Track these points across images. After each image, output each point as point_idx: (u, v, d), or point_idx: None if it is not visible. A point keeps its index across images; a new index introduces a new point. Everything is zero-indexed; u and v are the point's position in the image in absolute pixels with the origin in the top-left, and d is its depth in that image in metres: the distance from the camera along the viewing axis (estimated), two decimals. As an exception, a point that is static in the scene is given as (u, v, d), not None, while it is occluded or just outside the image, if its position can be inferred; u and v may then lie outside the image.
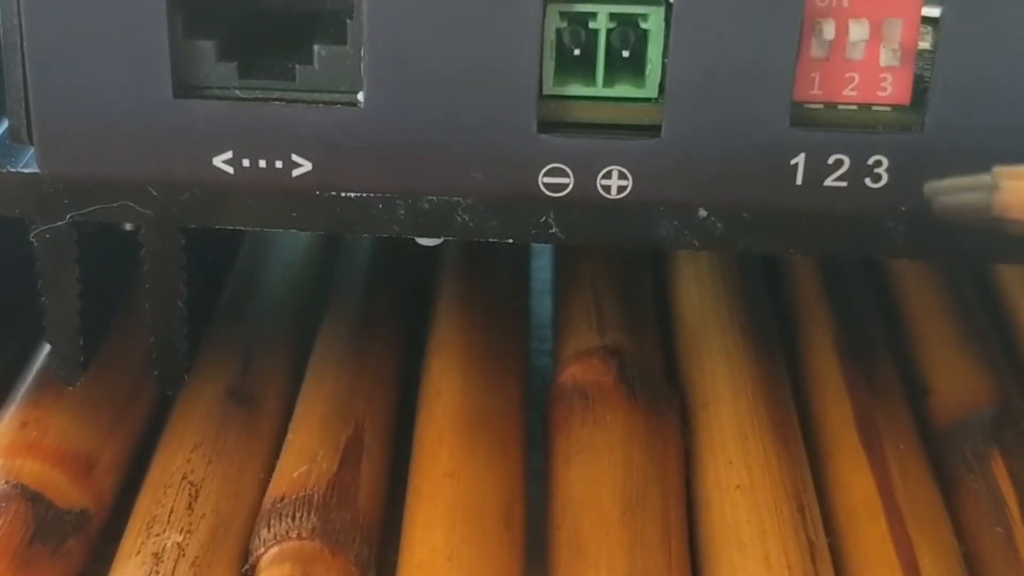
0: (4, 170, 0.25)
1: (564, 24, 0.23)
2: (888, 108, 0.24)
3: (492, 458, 0.27)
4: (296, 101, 0.24)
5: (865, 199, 0.24)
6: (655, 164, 0.24)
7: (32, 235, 0.25)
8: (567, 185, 0.24)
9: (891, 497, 0.26)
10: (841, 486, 0.27)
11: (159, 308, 0.26)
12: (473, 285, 0.33)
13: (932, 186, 0.21)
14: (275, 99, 0.24)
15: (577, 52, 0.24)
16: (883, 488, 0.27)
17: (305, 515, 0.25)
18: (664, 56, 0.23)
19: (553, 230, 0.25)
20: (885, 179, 0.24)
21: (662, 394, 0.29)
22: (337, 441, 0.27)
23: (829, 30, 0.23)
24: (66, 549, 0.25)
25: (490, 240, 0.25)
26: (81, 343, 0.26)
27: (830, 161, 0.24)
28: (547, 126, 0.24)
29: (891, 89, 0.23)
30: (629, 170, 0.24)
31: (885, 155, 0.24)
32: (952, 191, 0.20)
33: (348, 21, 0.23)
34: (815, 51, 0.23)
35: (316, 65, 0.24)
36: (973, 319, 0.32)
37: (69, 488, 0.26)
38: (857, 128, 0.24)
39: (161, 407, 0.29)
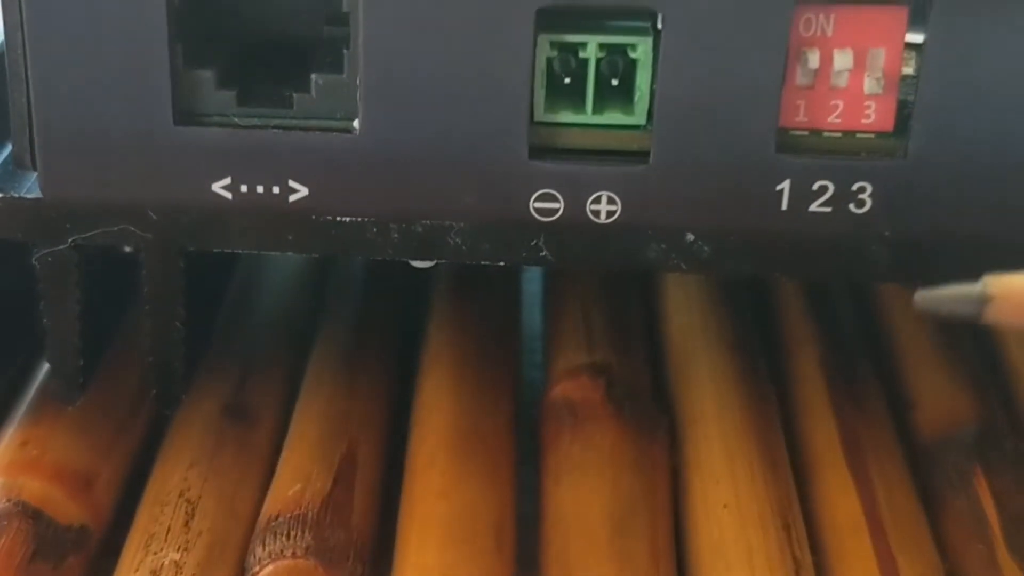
0: (8, 195, 0.25)
1: (555, 53, 0.24)
2: (872, 135, 0.24)
3: (483, 476, 0.27)
4: (293, 128, 0.24)
5: (849, 224, 0.24)
6: (643, 189, 0.24)
7: (34, 258, 0.26)
8: (557, 210, 0.25)
9: (875, 515, 0.27)
10: (826, 504, 0.27)
11: (158, 329, 0.27)
12: (465, 303, 0.33)
13: (922, 295, 0.21)
14: (273, 126, 0.24)
15: (567, 80, 0.24)
16: (867, 506, 0.27)
17: (299, 533, 0.25)
18: (652, 84, 0.24)
19: (544, 253, 0.25)
20: (869, 205, 0.24)
21: (650, 413, 0.30)
22: (331, 459, 0.27)
23: (814, 59, 0.24)
24: (67, 566, 0.25)
25: (482, 263, 0.25)
26: (81, 363, 0.27)
27: (815, 187, 0.24)
28: (538, 152, 0.24)
29: (875, 116, 0.24)
30: (618, 195, 0.25)
31: (869, 181, 0.24)
32: (943, 302, 0.21)
33: (344, 51, 0.24)
34: (800, 79, 0.24)
35: (313, 93, 0.24)
36: (957, 336, 0.33)
37: (69, 505, 0.26)
38: (841, 155, 0.24)
39: (159, 424, 0.29)
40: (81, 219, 0.25)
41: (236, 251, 0.25)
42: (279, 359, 0.31)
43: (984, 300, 0.20)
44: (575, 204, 0.25)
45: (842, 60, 0.23)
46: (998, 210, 0.24)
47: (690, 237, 0.25)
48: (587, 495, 0.27)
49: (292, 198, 0.25)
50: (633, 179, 0.24)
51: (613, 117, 0.24)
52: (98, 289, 0.27)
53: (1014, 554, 0.26)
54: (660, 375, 0.31)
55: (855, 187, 0.24)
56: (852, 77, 0.24)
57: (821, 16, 0.23)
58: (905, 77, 0.24)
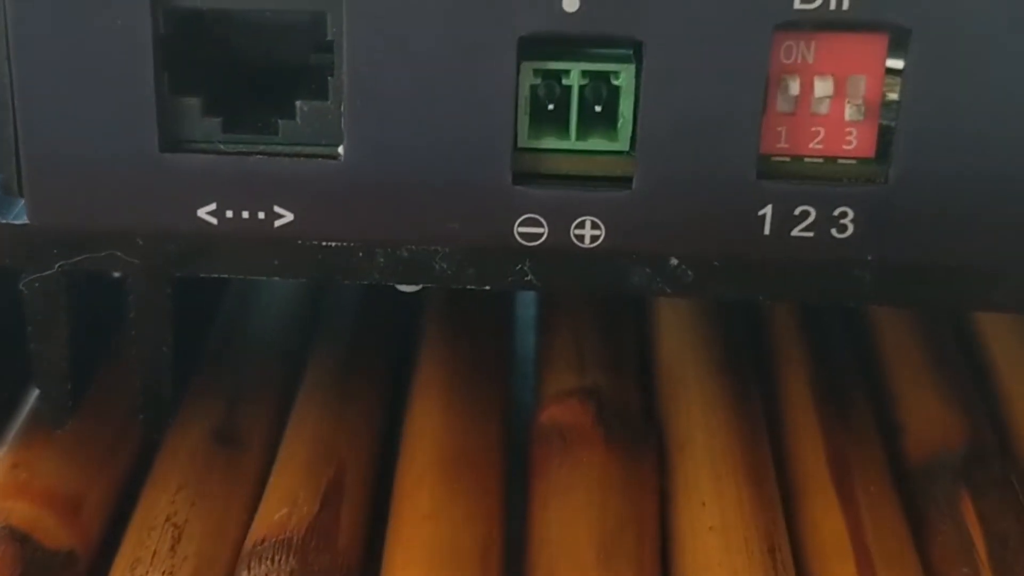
0: (-6, 221, 0.25)
1: (538, 80, 0.24)
2: (853, 161, 0.24)
3: (471, 499, 0.28)
4: (278, 154, 0.24)
5: (831, 249, 0.24)
6: (627, 214, 0.25)
7: (22, 284, 0.26)
8: (542, 235, 0.25)
9: (861, 538, 0.27)
10: (812, 526, 0.28)
11: (145, 354, 0.27)
12: (457, 326, 0.33)
13: None
14: (258, 152, 0.24)
15: (551, 107, 0.24)
16: (853, 529, 0.27)
17: (284, 558, 0.25)
18: (635, 111, 0.24)
19: (529, 278, 0.25)
20: (851, 229, 0.24)
21: (639, 435, 0.30)
22: (318, 484, 0.27)
23: (795, 86, 0.24)
24: (54, 590, 0.26)
25: (468, 287, 0.26)
26: (69, 388, 0.27)
27: (797, 212, 0.24)
28: (522, 178, 0.24)
29: (856, 142, 0.24)
30: (602, 220, 0.25)
31: (850, 206, 0.24)
32: None
33: (329, 78, 0.24)
34: (781, 106, 0.24)
35: (298, 120, 0.24)
36: (947, 358, 0.33)
37: (57, 529, 0.27)
38: (823, 180, 0.24)
39: (149, 448, 0.29)
40: (68, 245, 0.25)
41: (223, 276, 0.26)
42: (269, 383, 0.31)
43: None
44: (559, 229, 0.25)
45: (823, 87, 0.24)
46: (979, 235, 0.24)
47: (674, 262, 0.25)
48: (574, 518, 0.27)
49: (277, 223, 0.25)
50: (617, 204, 0.25)
51: (597, 143, 0.24)
52: (86, 313, 0.27)
53: (999, 577, 0.26)
54: (651, 397, 0.31)
55: (837, 212, 0.24)
56: (833, 104, 0.24)
57: (801, 43, 0.23)
58: (887, 103, 0.24)
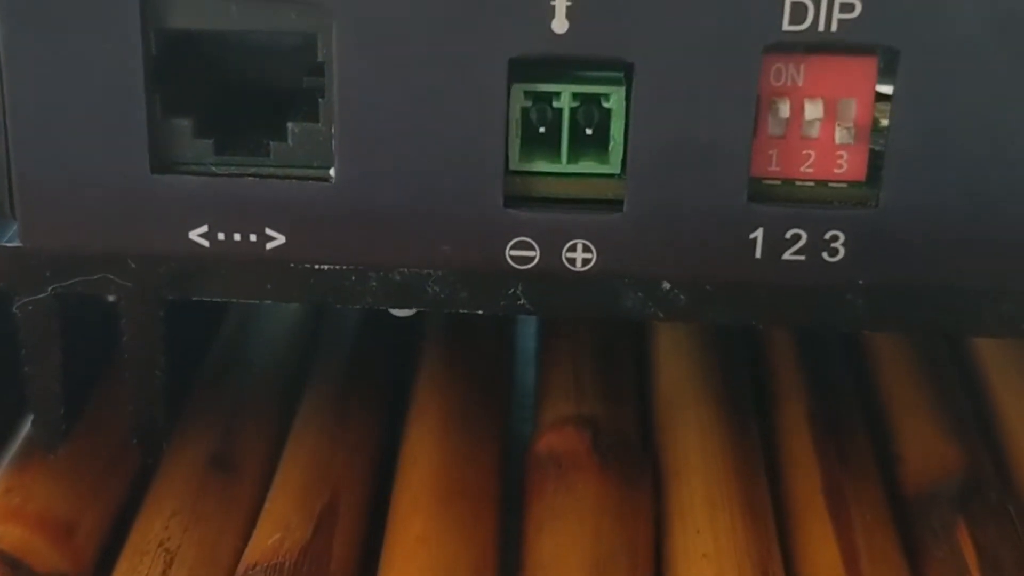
0: (-12, 244, 0.25)
1: (529, 103, 0.24)
2: (844, 184, 0.24)
3: (465, 526, 0.27)
4: (270, 177, 0.24)
5: (823, 273, 0.24)
6: (619, 238, 0.25)
7: (15, 307, 0.26)
8: (533, 258, 0.25)
9: (856, 567, 0.27)
10: (807, 557, 0.27)
11: (138, 378, 0.27)
12: (455, 353, 0.33)
13: None
14: (250, 175, 0.24)
15: (542, 130, 0.24)
16: (848, 558, 0.27)
17: (275, 582, 0.25)
18: (626, 134, 0.24)
19: (521, 301, 0.25)
20: (842, 253, 0.24)
21: (635, 463, 0.29)
22: (312, 509, 0.27)
23: (785, 109, 0.24)
24: (44, 615, 0.26)
25: (461, 311, 0.25)
26: (63, 411, 0.27)
27: (788, 235, 0.24)
28: (513, 201, 0.24)
29: (847, 166, 0.24)
30: (593, 243, 0.25)
31: (841, 230, 0.24)
32: None
33: (320, 100, 0.24)
34: (772, 129, 0.24)
35: (290, 142, 0.24)
36: (944, 386, 0.33)
37: (50, 554, 0.27)
38: (814, 204, 0.24)
39: (144, 472, 0.29)
40: (61, 268, 0.25)
41: (215, 299, 0.26)
42: (266, 408, 0.31)
43: None
44: (551, 252, 0.25)
45: (813, 110, 0.24)
46: (971, 258, 0.24)
47: (666, 285, 0.25)
48: (568, 544, 0.27)
49: (269, 246, 0.25)
50: (608, 227, 0.25)
51: (588, 166, 0.24)
52: (81, 337, 0.27)
53: (994, 606, 0.26)
54: (648, 426, 0.31)
55: (828, 236, 0.24)
56: (823, 127, 0.24)
57: (791, 66, 0.24)
58: (877, 127, 0.24)
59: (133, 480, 0.29)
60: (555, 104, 0.24)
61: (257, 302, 0.26)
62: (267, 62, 0.25)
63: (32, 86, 0.24)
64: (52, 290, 0.26)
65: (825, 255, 0.24)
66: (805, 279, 0.24)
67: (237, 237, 0.25)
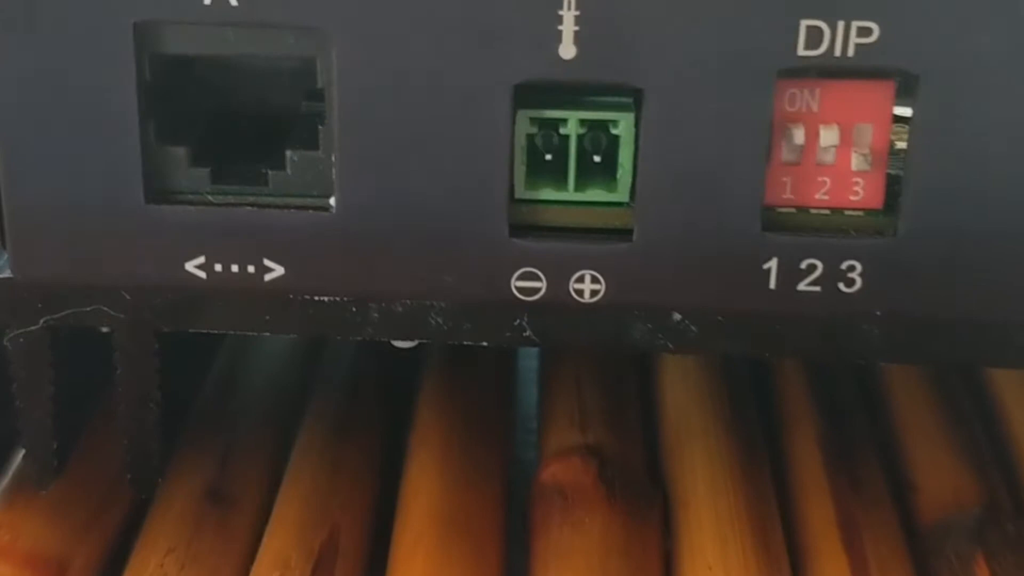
0: (-22, 275, 0.25)
1: (535, 130, 0.23)
2: (860, 212, 0.24)
3: (469, 562, 0.27)
4: (268, 206, 0.24)
5: (839, 303, 0.24)
6: (628, 268, 0.24)
7: (6, 339, 0.25)
8: (540, 289, 0.24)
9: (871, 601, 0.26)
10: (821, 590, 0.27)
11: (132, 412, 0.26)
12: (455, 381, 0.33)
13: None
14: (247, 204, 0.24)
15: (549, 157, 0.24)
16: (863, 592, 0.26)
17: (274, 623, 0.25)
18: (635, 161, 0.23)
19: (527, 333, 0.25)
20: (859, 284, 0.24)
21: (643, 494, 0.29)
22: (311, 545, 0.27)
23: (799, 135, 0.23)
24: (35, 656, 0.25)
25: (465, 343, 0.25)
26: (55, 446, 0.26)
27: (803, 266, 0.24)
28: (519, 230, 0.24)
29: (863, 193, 0.23)
30: (602, 274, 0.24)
31: (858, 260, 0.24)
32: None
33: (320, 127, 0.23)
34: (786, 155, 0.23)
35: (288, 170, 0.24)
36: (960, 415, 0.32)
37: (41, 593, 0.26)
38: (830, 233, 0.24)
39: (139, 506, 0.29)
40: (53, 299, 0.25)
41: (212, 331, 0.25)
42: (263, 440, 0.31)
43: None
44: (558, 283, 0.24)
45: (828, 136, 0.23)
46: (990, 289, 0.24)
47: (677, 316, 0.24)
48: (575, 581, 0.26)
49: (268, 277, 0.24)
50: (617, 257, 0.24)
51: (596, 194, 0.24)
52: (74, 370, 0.27)
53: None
54: (655, 455, 0.31)
55: (844, 266, 0.24)
56: (839, 153, 0.23)
57: (806, 91, 0.23)
58: (895, 151, 0.23)
59: (127, 515, 0.29)
60: (562, 131, 0.23)
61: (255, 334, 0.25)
62: (264, 88, 0.24)
63: (23, 114, 0.23)
64: (44, 322, 0.25)
65: (841, 285, 0.24)
66: (821, 310, 0.24)
67: (235, 268, 0.24)
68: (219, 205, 0.24)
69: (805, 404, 0.32)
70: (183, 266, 0.24)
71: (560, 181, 0.24)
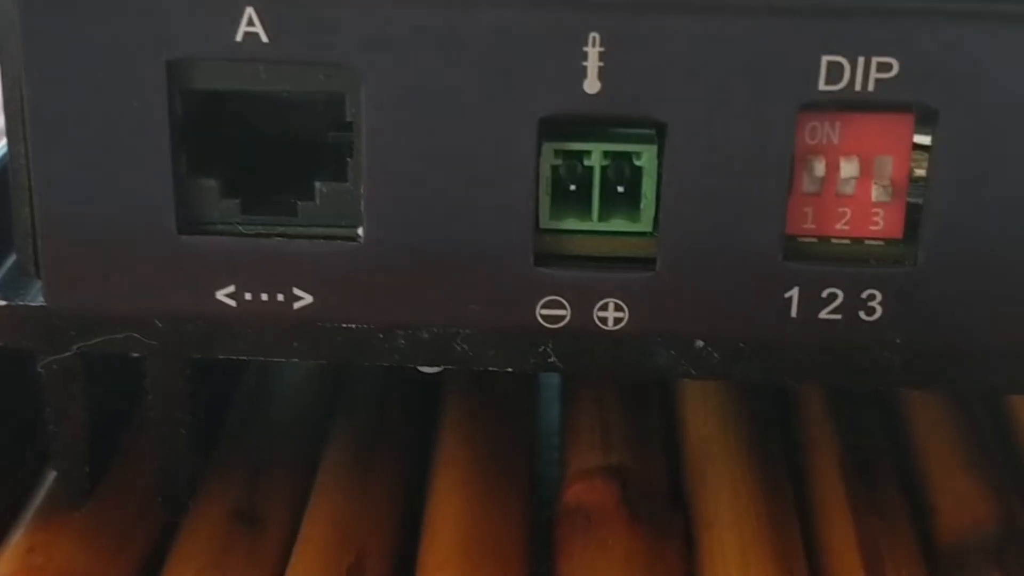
0: (13, 303, 0.25)
1: (559, 161, 0.24)
2: (881, 242, 0.24)
3: (494, 584, 0.27)
4: (297, 236, 0.24)
5: (860, 332, 0.24)
6: (651, 296, 0.24)
7: (40, 365, 0.26)
8: (564, 317, 0.24)
9: (893, 623, 0.26)
10: (843, 612, 0.27)
11: (163, 436, 0.26)
12: (479, 402, 0.33)
13: None
14: (277, 234, 0.24)
15: (573, 187, 0.24)
16: (884, 615, 0.27)
17: (302, 647, 0.25)
18: (658, 191, 0.24)
19: (552, 359, 0.25)
20: (879, 312, 0.24)
21: (665, 516, 0.29)
22: (339, 567, 0.27)
23: (820, 167, 0.23)
24: (68, 677, 0.25)
25: (489, 369, 0.25)
26: (87, 469, 0.27)
27: (824, 294, 0.24)
28: (544, 259, 0.24)
29: (883, 223, 0.24)
30: (625, 302, 0.24)
31: (878, 289, 0.24)
32: None
33: (348, 159, 0.24)
34: (807, 186, 0.24)
35: (317, 201, 0.24)
36: (978, 436, 0.32)
37: (74, 613, 0.26)
38: (850, 262, 0.24)
39: (168, 528, 0.29)
40: (85, 327, 0.25)
41: (241, 358, 0.25)
42: (290, 461, 0.31)
43: None
44: (582, 311, 0.24)
45: (848, 168, 0.23)
46: (1010, 317, 0.24)
47: (699, 344, 0.25)
48: (600, 604, 0.27)
49: (297, 305, 0.25)
50: (640, 286, 0.24)
51: (619, 224, 0.24)
52: (105, 393, 0.27)
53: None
54: (677, 476, 0.31)
55: (865, 295, 0.24)
56: (859, 184, 0.23)
57: (826, 123, 0.23)
58: (914, 179, 0.24)
59: (157, 536, 0.29)
60: (586, 162, 0.24)
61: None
62: (294, 121, 0.25)
63: (58, 146, 0.24)
64: (77, 349, 0.25)
65: (862, 314, 0.24)
66: (841, 338, 0.24)
67: (264, 297, 0.24)
68: (249, 235, 0.24)
69: (825, 427, 0.32)
70: (214, 295, 0.24)
71: (584, 211, 0.24)
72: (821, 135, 0.23)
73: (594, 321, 0.24)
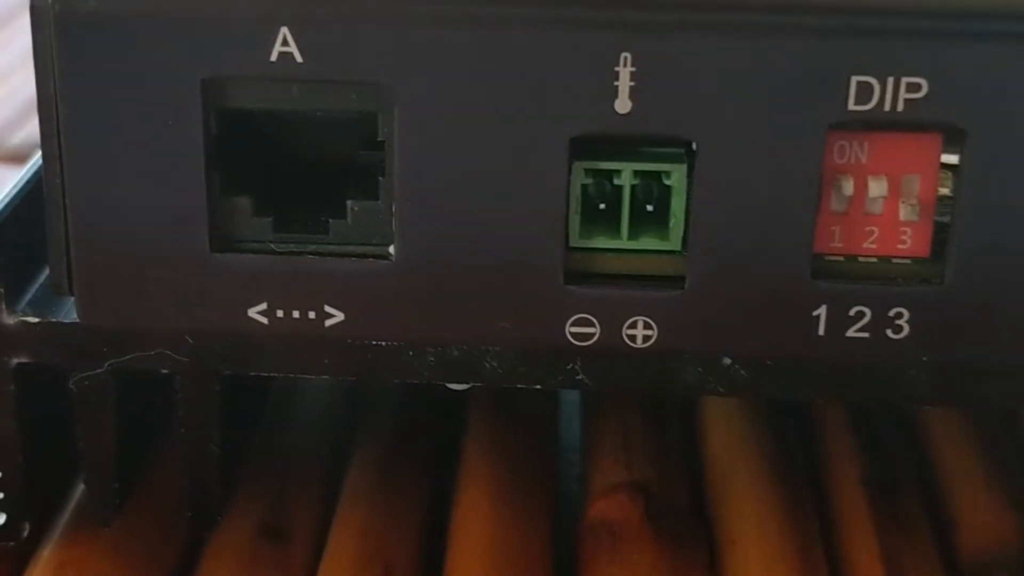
0: (45, 319, 0.25)
1: (590, 180, 0.24)
2: (908, 260, 0.24)
3: (520, 600, 0.27)
4: (329, 254, 0.24)
5: (887, 350, 0.24)
6: (680, 314, 0.24)
7: (71, 382, 0.26)
8: (593, 335, 0.25)
9: (917, 639, 0.27)
10: (868, 628, 0.27)
11: (193, 451, 0.27)
12: (502, 417, 0.33)
13: None
14: (309, 252, 0.24)
15: (602, 206, 0.24)
16: (910, 630, 0.27)
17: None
18: (687, 210, 0.24)
19: (580, 377, 0.25)
20: (906, 330, 0.24)
21: (689, 532, 0.29)
22: (367, 584, 0.27)
23: (848, 186, 0.24)
24: None
25: (518, 386, 0.25)
26: (117, 485, 0.27)
27: (851, 313, 0.24)
28: (574, 277, 0.24)
29: (910, 242, 0.24)
30: (654, 320, 0.24)
31: (906, 307, 0.24)
32: None
33: (380, 177, 0.24)
34: (835, 205, 0.24)
35: (349, 219, 0.24)
36: (1001, 452, 0.32)
37: (103, 629, 0.26)
38: (878, 280, 0.24)
39: (195, 543, 0.29)
40: (118, 344, 0.25)
41: (271, 374, 0.25)
42: (315, 475, 0.31)
43: None
44: (611, 329, 0.25)
45: (877, 187, 0.23)
46: (1037, 335, 0.24)
47: (727, 361, 0.25)
48: (625, 618, 0.27)
49: (328, 323, 0.25)
50: (669, 304, 0.24)
51: (648, 242, 0.24)
52: (135, 409, 0.27)
53: None
54: (699, 492, 0.31)
55: (892, 313, 0.24)
56: (887, 203, 0.24)
57: (855, 143, 0.23)
58: (941, 198, 0.24)
59: (186, 551, 0.29)
60: (616, 181, 0.24)
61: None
62: (326, 139, 0.25)
63: (92, 165, 0.24)
64: (108, 365, 0.25)
65: (889, 332, 0.24)
66: (869, 356, 0.24)
67: (296, 314, 0.25)
68: (281, 253, 0.24)
69: (847, 442, 0.32)
70: (246, 312, 0.25)
71: (614, 229, 0.24)
72: (849, 154, 0.23)
73: (623, 339, 0.25)
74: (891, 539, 0.29)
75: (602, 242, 0.24)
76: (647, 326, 0.24)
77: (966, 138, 0.23)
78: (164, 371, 0.26)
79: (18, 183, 0.26)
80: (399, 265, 0.24)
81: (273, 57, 0.23)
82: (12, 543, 0.28)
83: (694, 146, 0.23)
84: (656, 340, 0.25)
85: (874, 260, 0.24)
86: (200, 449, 0.27)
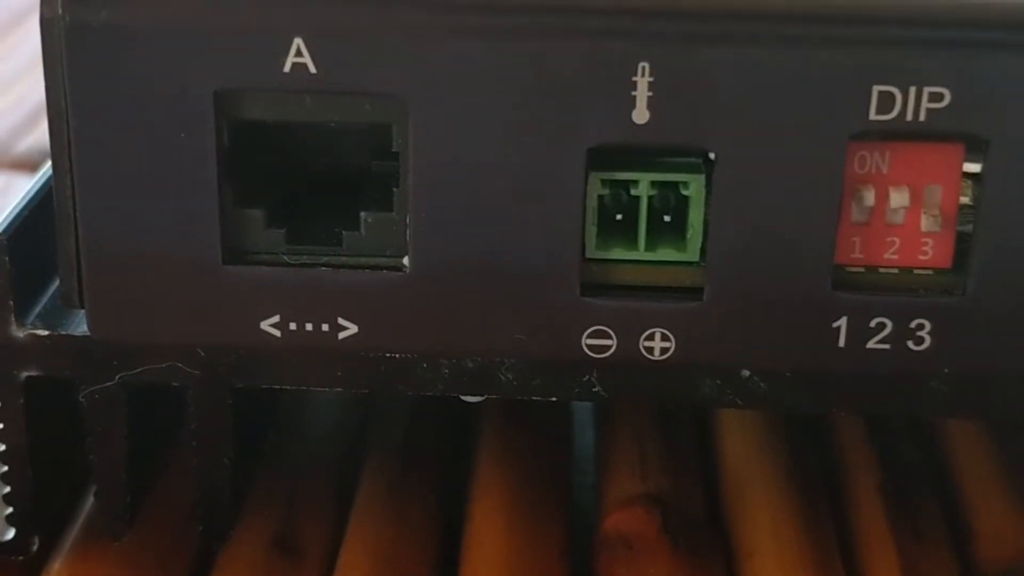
0: (56, 332, 0.25)
1: (606, 191, 0.24)
2: (930, 271, 0.24)
3: (535, 613, 0.27)
4: (343, 266, 0.24)
5: (908, 361, 0.24)
6: (698, 326, 0.24)
7: (81, 395, 0.26)
8: (610, 346, 0.24)
9: (937, 652, 0.26)
10: (887, 641, 0.27)
11: (205, 464, 0.26)
12: (515, 428, 0.33)
13: None
14: (322, 264, 0.24)
15: (619, 217, 0.24)
16: (930, 644, 0.27)
17: None
18: (705, 221, 0.24)
19: (596, 389, 0.25)
20: (928, 342, 0.24)
21: (706, 544, 0.29)
22: (381, 598, 0.27)
23: (869, 197, 0.23)
24: None
25: (533, 398, 0.25)
26: (127, 498, 0.27)
27: (872, 324, 0.24)
28: (590, 289, 0.24)
29: (932, 253, 0.24)
30: (672, 332, 0.24)
31: (927, 318, 0.24)
32: None
33: (394, 189, 0.24)
34: (856, 216, 0.24)
35: (362, 231, 0.24)
36: (1019, 461, 0.32)
37: (112, 643, 0.26)
38: (899, 291, 0.24)
39: (207, 557, 0.29)
40: (129, 356, 0.25)
41: (284, 387, 0.25)
42: (327, 487, 0.31)
43: None
44: (628, 341, 0.24)
45: (898, 197, 0.23)
46: (1061, 347, 0.24)
47: (746, 373, 0.25)
48: (642, 632, 0.27)
49: (341, 335, 0.24)
50: (687, 316, 0.24)
51: (666, 253, 0.24)
52: (146, 422, 0.27)
53: None
54: (715, 503, 0.31)
55: (913, 324, 0.24)
56: (908, 214, 0.23)
57: (876, 153, 0.23)
58: (963, 208, 0.24)
59: (197, 565, 0.29)
60: (633, 191, 0.24)
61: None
62: (340, 151, 0.25)
63: (104, 176, 0.23)
64: (119, 378, 0.25)
65: (910, 344, 0.24)
66: (890, 368, 0.24)
67: (309, 327, 0.24)
68: (294, 265, 0.24)
69: (864, 451, 0.32)
70: (258, 325, 0.24)
71: (631, 240, 0.24)
72: (871, 164, 0.23)
73: (640, 351, 0.24)
74: (909, 549, 0.29)
75: (619, 253, 0.24)
76: (664, 338, 0.24)
77: (989, 148, 0.23)
78: (175, 384, 0.26)
79: (27, 194, 0.26)
80: (413, 277, 0.24)
81: (287, 68, 0.23)
82: (22, 557, 0.27)
83: (712, 156, 0.23)
84: (674, 352, 0.24)
85: (895, 271, 0.24)
86: (212, 462, 0.26)
